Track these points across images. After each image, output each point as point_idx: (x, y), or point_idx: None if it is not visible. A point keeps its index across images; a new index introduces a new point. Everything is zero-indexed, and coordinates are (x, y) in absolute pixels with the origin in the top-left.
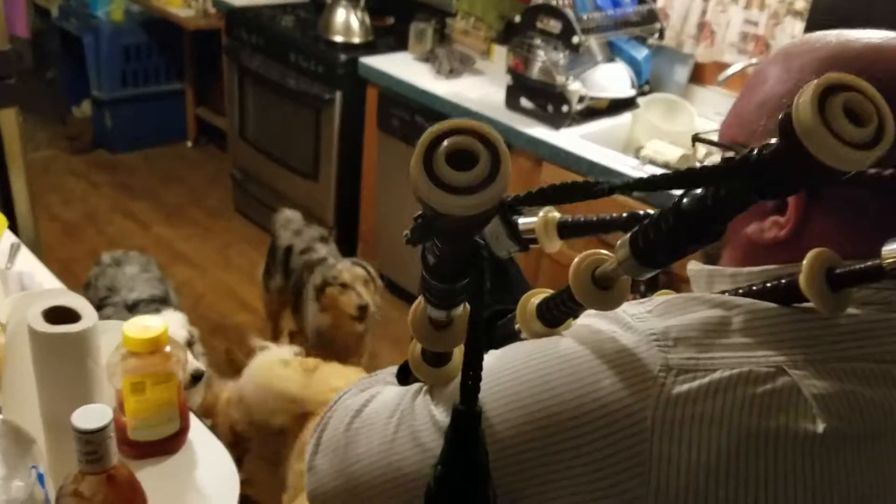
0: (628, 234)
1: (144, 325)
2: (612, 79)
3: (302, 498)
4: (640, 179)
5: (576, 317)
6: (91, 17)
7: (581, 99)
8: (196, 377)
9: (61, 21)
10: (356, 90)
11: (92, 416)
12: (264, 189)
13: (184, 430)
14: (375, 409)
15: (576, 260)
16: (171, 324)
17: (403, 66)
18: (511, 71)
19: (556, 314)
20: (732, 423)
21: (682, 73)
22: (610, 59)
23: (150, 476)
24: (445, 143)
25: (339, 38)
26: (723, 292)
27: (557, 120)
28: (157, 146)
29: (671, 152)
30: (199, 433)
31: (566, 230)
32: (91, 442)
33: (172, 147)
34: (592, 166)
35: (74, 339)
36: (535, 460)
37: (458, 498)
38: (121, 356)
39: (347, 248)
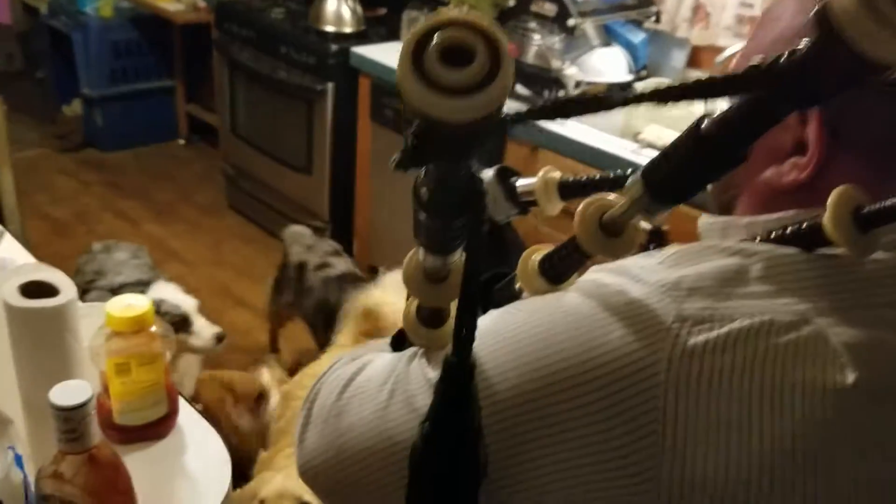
0: (640, 169)
1: (128, 304)
2: (608, 63)
3: (280, 457)
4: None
5: (581, 273)
6: (80, 13)
7: (577, 84)
8: (219, 338)
9: (50, 18)
10: (348, 81)
11: (71, 392)
12: (257, 184)
13: (172, 413)
14: (368, 376)
15: (581, 205)
16: (173, 292)
17: (396, 56)
18: None
19: (560, 269)
20: (754, 375)
21: (679, 57)
22: (606, 44)
23: (137, 462)
24: (437, 37)
25: (330, 29)
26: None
27: None
28: (148, 144)
29: (670, 136)
30: (188, 417)
31: (568, 190)
32: (70, 419)
33: (163, 145)
34: (590, 152)
35: (52, 314)
36: (534, 421)
37: (446, 459)
38: (104, 336)
39: (342, 242)
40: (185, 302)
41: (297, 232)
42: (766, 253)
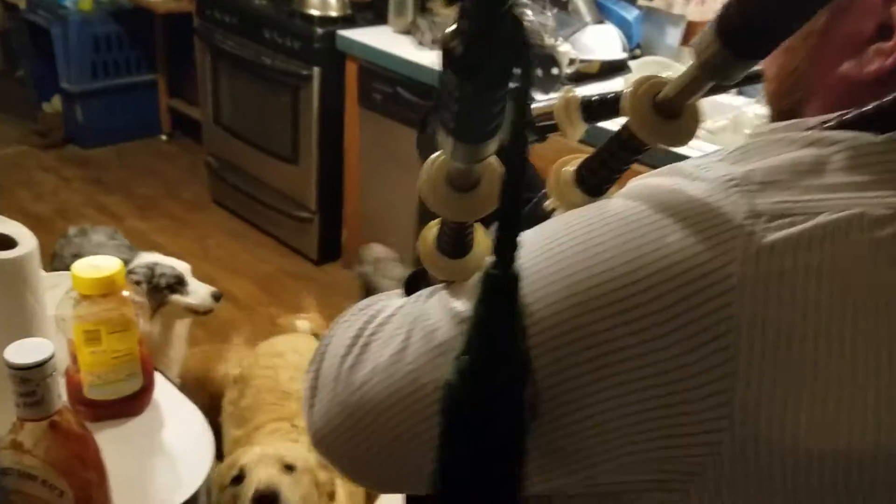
0: (710, 22)
1: (95, 265)
2: (602, 41)
3: (259, 434)
4: None
5: (620, 187)
6: (59, 7)
7: (571, 62)
8: (217, 297)
9: (29, 13)
10: (335, 65)
11: (29, 350)
12: (242, 177)
13: (148, 387)
14: (379, 323)
15: (630, 85)
16: (161, 257)
17: (384, 39)
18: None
19: (601, 175)
20: (849, 275)
21: (674, 35)
22: (599, 21)
23: (110, 440)
24: None
25: (315, 12)
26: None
27: (548, 84)
28: (130, 140)
29: None
30: (165, 392)
31: (592, 111)
32: (28, 380)
33: (146, 141)
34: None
35: (8, 267)
36: (584, 346)
37: (488, 396)
38: (72, 302)
39: (331, 233)
40: (177, 264)
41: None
42: (850, 141)
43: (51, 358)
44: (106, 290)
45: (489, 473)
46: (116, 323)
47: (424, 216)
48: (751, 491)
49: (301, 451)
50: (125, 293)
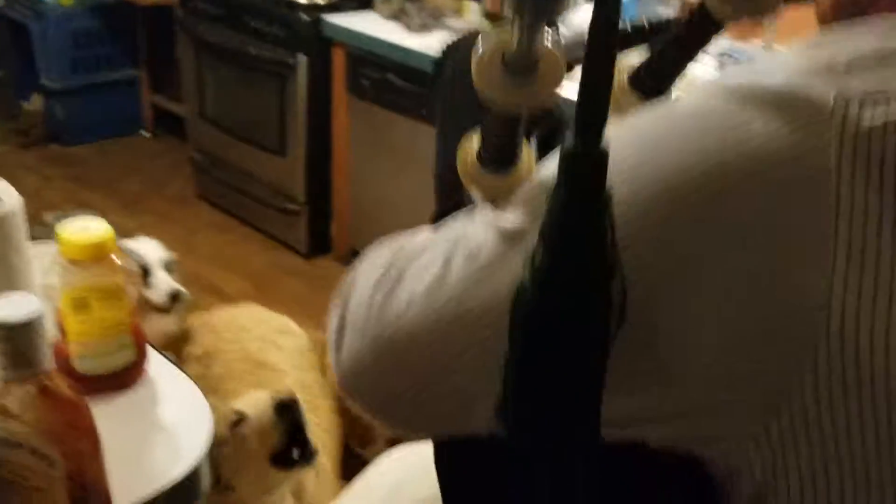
0: None
1: (84, 228)
2: None
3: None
4: None
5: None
6: (38, 2)
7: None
8: (174, 296)
9: (7, 9)
10: (321, 53)
11: (16, 306)
12: (228, 170)
13: (140, 360)
14: (413, 250)
15: None
16: (148, 246)
17: (371, 24)
18: (488, 15)
19: (663, 70)
20: None
21: (668, 15)
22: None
23: (102, 415)
24: None
25: None
26: None
27: None
28: (113, 137)
29: None
30: (159, 366)
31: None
32: (13, 339)
33: (128, 139)
34: None
35: None
36: (675, 233)
37: (571, 298)
38: (59, 267)
39: (320, 226)
40: (150, 251)
41: None
42: None
43: (40, 316)
44: (95, 254)
45: (568, 395)
46: (106, 290)
47: (443, 189)
48: (839, 420)
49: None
50: (115, 260)
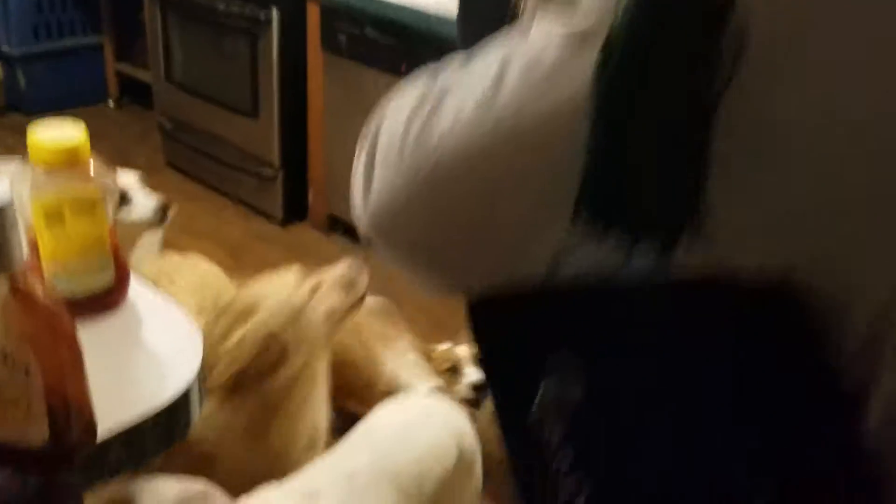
0: None
1: (56, 131)
2: None
3: None
4: None
5: None
6: None
7: None
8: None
9: None
10: (295, 7)
11: None
12: (198, 135)
13: (121, 282)
14: (450, 76)
15: None
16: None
17: None
18: None
19: None
20: None
21: None
22: None
23: (83, 341)
24: None
25: None
26: None
27: None
28: (76, 107)
29: None
30: (141, 289)
31: None
32: None
33: (93, 108)
34: None
35: None
36: None
37: (673, 48)
38: (29, 175)
39: (296, 191)
40: (121, 177)
41: None
42: None
43: (10, 206)
44: (69, 159)
45: (667, 168)
46: (82, 202)
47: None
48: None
49: None
50: (91, 170)
